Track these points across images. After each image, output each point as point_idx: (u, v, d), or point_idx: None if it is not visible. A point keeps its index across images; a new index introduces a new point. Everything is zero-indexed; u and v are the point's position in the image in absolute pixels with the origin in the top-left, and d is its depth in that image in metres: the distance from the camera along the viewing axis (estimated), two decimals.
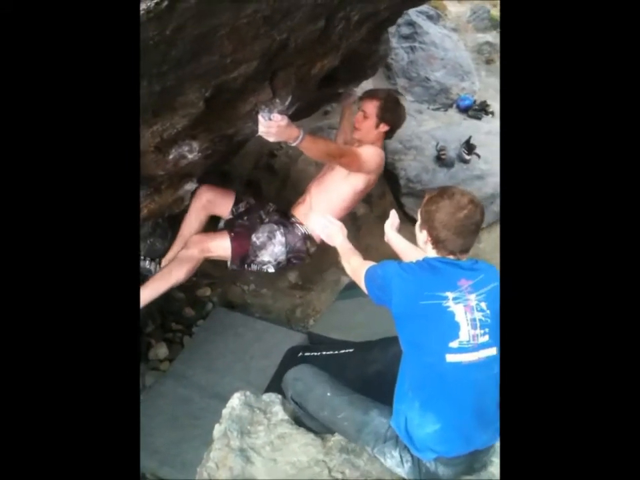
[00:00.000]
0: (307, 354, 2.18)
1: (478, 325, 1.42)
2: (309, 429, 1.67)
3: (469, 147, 3.51)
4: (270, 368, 2.28)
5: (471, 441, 1.45)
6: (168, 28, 1.22)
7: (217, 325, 2.62)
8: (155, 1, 1.12)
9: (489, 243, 3.46)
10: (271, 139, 1.90)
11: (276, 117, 1.84)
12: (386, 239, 2.01)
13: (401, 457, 1.48)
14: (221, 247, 2.24)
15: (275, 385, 2.11)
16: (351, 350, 2.13)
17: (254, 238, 2.24)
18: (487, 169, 3.51)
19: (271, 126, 1.82)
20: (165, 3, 1.14)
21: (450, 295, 1.43)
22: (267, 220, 2.37)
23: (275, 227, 2.30)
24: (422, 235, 1.57)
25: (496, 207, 3.38)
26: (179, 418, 2.13)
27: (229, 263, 2.30)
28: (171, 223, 2.31)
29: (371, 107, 2.34)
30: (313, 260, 3.16)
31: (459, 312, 1.42)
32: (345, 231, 1.97)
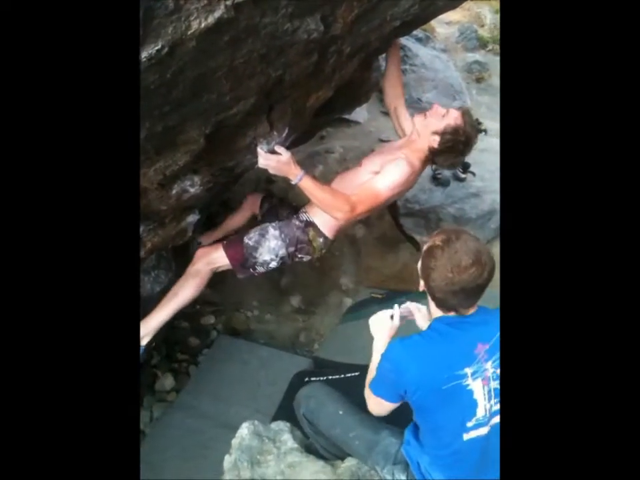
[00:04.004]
0: (313, 379, 2.20)
1: (493, 394, 1.36)
2: (319, 456, 1.68)
3: (464, 165, 3.54)
4: (277, 394, 2.29)
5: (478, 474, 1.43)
6: (168, 72, 1.27)
7: (222, 353, 2.64)
8: (156, 47, 1.18)
9: None
10: (271, 171, 1.94)
11: (280, 149, 1.88)
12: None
13: None
14: (221, 256, 2.16)
15: (283, 412, 2.12)
16: (356, 373, 2.14)
17: (246, 239, 2.15)
18: (482, 186, 3.54)
19: (271, 159, 1.87)
20: (165, 50, 1.19)
21: (469, 370, 1.33)
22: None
23: (267, 223, 2.21)
24: (421, 284, 1.42)
25: (493, 224, 3.41)
26: (188, 449, 2.13)
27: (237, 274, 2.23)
28: (175, 255, 2.33)
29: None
30: (315, 283, 3.18)
31: (477, 388, 1.34)
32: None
